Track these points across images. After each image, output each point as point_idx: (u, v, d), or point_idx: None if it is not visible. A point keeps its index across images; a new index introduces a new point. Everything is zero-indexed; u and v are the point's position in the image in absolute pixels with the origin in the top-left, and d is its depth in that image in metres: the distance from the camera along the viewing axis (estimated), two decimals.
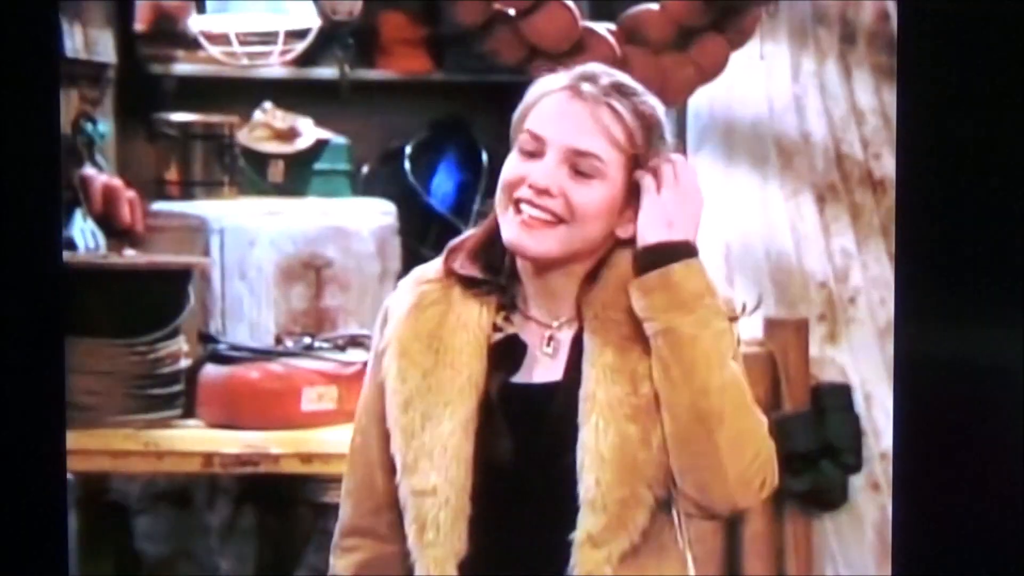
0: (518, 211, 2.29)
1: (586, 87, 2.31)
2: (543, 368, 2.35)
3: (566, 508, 2.28)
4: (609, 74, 2.35)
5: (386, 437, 2.37)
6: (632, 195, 2.32)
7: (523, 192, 2.29)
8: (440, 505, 2.30)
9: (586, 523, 2.27)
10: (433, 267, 2.42)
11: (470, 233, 2.41)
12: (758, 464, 2.27)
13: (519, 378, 2.35)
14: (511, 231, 2.30)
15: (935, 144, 3.27)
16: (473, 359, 2.34)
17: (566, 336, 2.35)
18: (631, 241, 2.32)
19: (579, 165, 2.28)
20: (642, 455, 2.27)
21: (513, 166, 2.32)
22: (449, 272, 2.39)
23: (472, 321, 2.36)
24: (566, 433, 2.29)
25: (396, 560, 2.38)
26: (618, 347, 2.30)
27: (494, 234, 2.35)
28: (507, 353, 2.36)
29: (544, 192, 2.28)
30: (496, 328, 2.36)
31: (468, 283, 2.38)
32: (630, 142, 2.30)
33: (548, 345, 2.35)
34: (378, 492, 2.40)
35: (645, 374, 2.28)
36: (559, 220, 2.28)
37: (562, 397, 2.31)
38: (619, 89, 2.32)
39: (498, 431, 2.32)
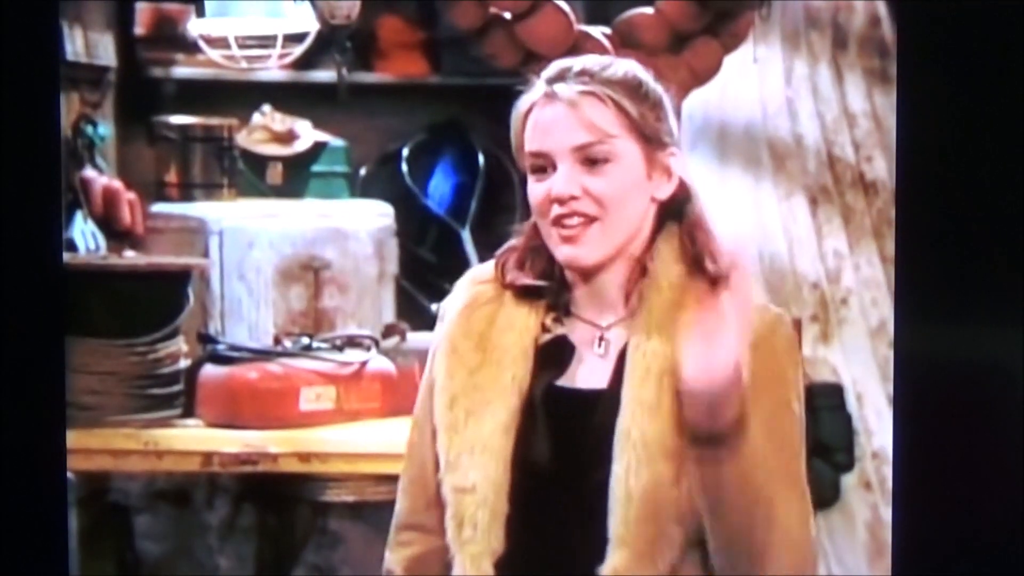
0: (561, 230, 2.31)
1: (558, 88, 2.32)
2: (590, 371, 2.36)
3: (600, 512, 2.27)
4: (574, 63, 2.36)
5: (436, 434, 2.38)
6: (652, 154, 2.33)
7: (555, 210, 2.31)
8: (479, 503, 2.31)
9: (612, 559, 2.26)
10: (488, 267, 2.44)
11: (512, 244, 2.43)
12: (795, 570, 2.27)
13: (564, 381, 2.36)
14: (561, 251, 2.32)
15: (934, 144, 3.29)
16: (519, 359, 2.35)
17: (615, 337, 2.36)
18: (672, 212, 2.36)
19: (590, 155, 2.30)
20: (673, 494, 2.26)
21: (535, 189, 2.34)
22: (503, 282, 2.41)
23: (521, 321, 2.37)
24: (605, 440, 2.29)
25: (447, 554, 2.39)
26: (663, 359, 2.28)
27: (536, 242, 2.38)
28: (554, 354, 2.37)
29: (571, 199, 2.29)
30: (545, 329, 2.38)
31: (522, 289, 2.39)
32: (622, 113, 2.31)
33: (599, 346, 2.36)
34: (430, 487, 2.40)
35: None
36: (595, 218, 2.30)
37: (605, 405, 2.31)
38: (588, 74, 2.33)
39: (538, 432, 2.33)
